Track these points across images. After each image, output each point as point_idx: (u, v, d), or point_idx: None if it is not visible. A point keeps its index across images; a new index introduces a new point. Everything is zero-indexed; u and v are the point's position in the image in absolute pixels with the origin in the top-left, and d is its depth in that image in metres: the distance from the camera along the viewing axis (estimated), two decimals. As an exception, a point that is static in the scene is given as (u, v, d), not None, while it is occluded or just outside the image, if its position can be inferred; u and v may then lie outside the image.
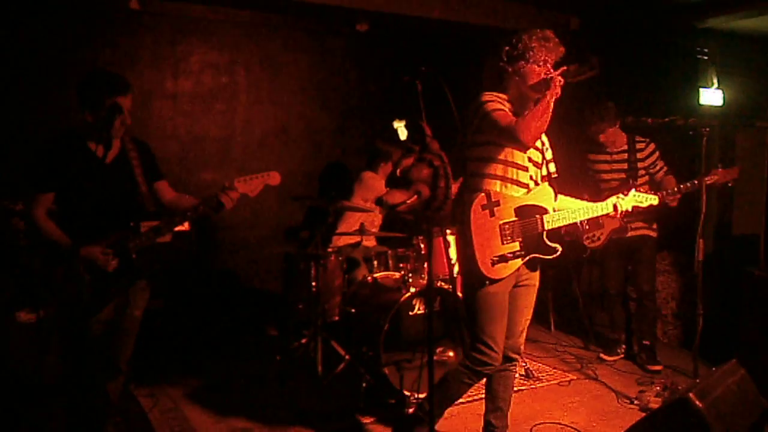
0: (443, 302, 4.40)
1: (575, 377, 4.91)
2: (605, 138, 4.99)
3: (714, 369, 3.39)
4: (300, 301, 4.80)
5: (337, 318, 4.74)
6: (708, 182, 4.45)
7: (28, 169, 3.21)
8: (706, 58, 6.34)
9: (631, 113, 4.84)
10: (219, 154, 6.01)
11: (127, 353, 3.47)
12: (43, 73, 5.19)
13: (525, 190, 3.25)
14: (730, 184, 4.63)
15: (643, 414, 4.16)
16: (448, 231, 4.74)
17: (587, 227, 4.98)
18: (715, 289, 5.41)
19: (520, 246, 3.20)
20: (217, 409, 4.23)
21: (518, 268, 3.23)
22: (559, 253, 3.26)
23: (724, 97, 6.28)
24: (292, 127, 6.31)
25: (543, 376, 4.91)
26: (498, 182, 3.20)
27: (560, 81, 3.09)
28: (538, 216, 3.24)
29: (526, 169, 3.25)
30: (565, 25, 6.28)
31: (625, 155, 5.00)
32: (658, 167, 4.98)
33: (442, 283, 4.46)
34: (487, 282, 3.16)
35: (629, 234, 5.01)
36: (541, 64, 3.20)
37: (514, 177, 3.22)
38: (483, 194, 3.14)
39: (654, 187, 4.88)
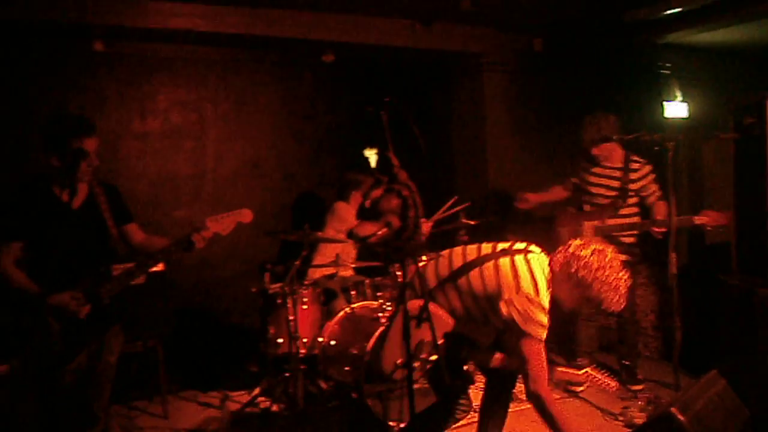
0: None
1: (558, 396, 4.89)
2: (599, 151, 4.81)
3: (695, 381, 3.40)
4: (279, 336, 4.74)
5: (317, 351, 4.70)
6: (697, 222, 4.43)
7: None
8: (668, 72, 6.45)
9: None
10: (191, 191, 5.98)
11: (104, 400, 3.41)
12: (8, 117, 5.13)
13: None
14: (720, 230, 4.48)
15: (629, 430, 4.16)
16: (425, 258, 4.75)
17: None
18: (692, 299, 5.45)
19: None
20: (199, 452, 4.16)
21: None
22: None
23: (689, 110, 6.38)
24: (263, 161, 6.30)
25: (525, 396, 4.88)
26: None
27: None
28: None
29: None
30: (529, 47, 6.37)
31: (619, 173, 4.82)
32: (650, 191, 4.82)
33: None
34: None
35: None
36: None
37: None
38: (415, 306, 2.81)
39: (644, 212, 4.82)
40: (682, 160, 5.98)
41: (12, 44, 5.15)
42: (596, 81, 6.15)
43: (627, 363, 5.07)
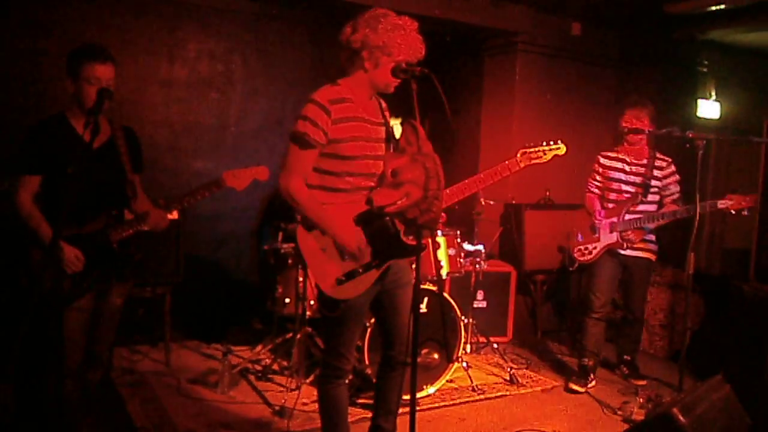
0: (430, 303, 4.37)
1: (559, 384, 4.88)
2: (632, 140, 4.66)
3: (699, 384, 3.37)
4: (286, 296, 4.75)
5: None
6: (721, 206, 4.27)
7: (15, 150, 3.15)
8: (705, 69, 6.34)
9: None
10: (212, 143, 5.94)
11: (108, 342, 3.42)
12: (32, 56, 5.10)
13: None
14: (744, 213, 4.27)
15: (626, 425, 4.15)
16: (439, 232, 4.72)
17: (580, 239, 4.83)
18: (704, 302, 5.40)
19: (372, 256, 2.87)
20: (197, 403, 4.18)
21: (379, 277, 2.93)
22: (423, 248, 2.79)
23: (721, 110, 6.28)
24: (287, 120, 6.24)
25: (527, 382, 4.88)
26: (337, 193, 2.90)
27: None
28: (387, 217, 2.87)
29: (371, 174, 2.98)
30: (567, 31, 6.26)
31: (643, 170, 4.69)
32: (671, 191, 4.70)
33: (430, 284, 4.42)
34: (341, 304, 2.86)
35: (629, 253, 4.71)
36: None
37: (357, 185, 2.92)
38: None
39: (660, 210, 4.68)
40: (710, 161, 5.89)
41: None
42: (631, 71, 6.05)
43: (627, 359, 5.05)
